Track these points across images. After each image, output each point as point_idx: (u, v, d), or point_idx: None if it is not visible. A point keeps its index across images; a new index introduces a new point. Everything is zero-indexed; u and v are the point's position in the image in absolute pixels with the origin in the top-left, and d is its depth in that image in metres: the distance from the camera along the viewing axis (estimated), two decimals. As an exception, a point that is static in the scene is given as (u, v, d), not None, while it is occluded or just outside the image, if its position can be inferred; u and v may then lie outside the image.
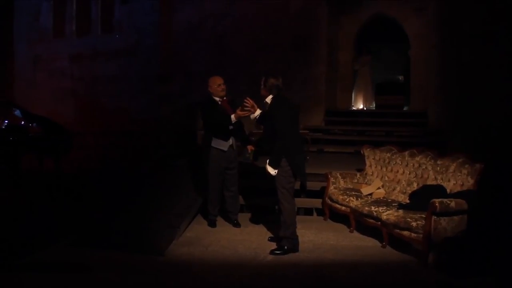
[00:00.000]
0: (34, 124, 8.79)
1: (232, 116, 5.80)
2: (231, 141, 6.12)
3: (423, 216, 4.90)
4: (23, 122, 8.75)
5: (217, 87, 6.08)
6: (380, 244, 5.49)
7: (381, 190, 6.31)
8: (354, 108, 13.08)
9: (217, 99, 6.11)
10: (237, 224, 6.27)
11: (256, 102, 5.50)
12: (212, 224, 6.28)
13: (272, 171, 5.12)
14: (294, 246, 5.22)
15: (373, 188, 6.36)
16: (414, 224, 4.95)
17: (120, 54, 13.03)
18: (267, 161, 5.15)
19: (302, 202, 7.13)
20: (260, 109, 5.46)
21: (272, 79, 5.29)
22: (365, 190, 6.30)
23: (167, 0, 12.47)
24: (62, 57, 13.95)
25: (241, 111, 5.63)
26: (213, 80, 6.13)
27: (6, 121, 8.55)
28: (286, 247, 5.19)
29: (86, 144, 11.73)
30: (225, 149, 6.06)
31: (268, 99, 5.30)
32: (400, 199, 5.92)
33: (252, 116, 5.50)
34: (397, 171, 6.29)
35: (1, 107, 9.42)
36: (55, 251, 5.24)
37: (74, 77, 13.81)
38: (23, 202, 7.18)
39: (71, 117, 12.85)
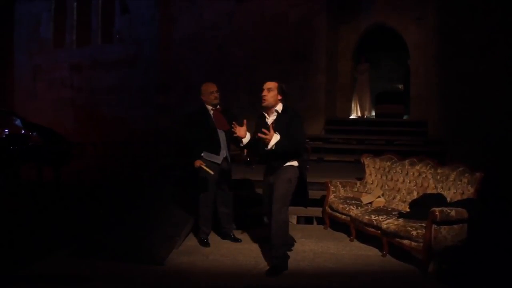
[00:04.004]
0: (34, 134, 8.78)
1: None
2: (224, 153, 5.72)
3: (424, 225, 4.88)
4: (23, 132, 8.75)
5: (209, 94, 5.70)
6: (381, 253, 5.47)
7: (381, 199, 6.30)
8: (354, 117, 13.10)
9: (210, 107, 5.75)
10: (235, 239, 5.93)
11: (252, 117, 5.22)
12: (205, 243, 5.79)
13: (274, 140, 4.69)
14: (286, 264, 4.94)
15: (373, 197, 6.35)
16: (414, 233, 4.93)
17: (119, 64, 13.11)
18: (278, 136, 4.71)
19: (302, 211, 7.12)
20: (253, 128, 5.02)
21: (284, 85, 5.02)
22: (365, 199, 6.30)
23: (167, 10, 12.56)
24: (62, 67, 14.04)
25: (235, 128, 5.00)
26: (205, 87, 5.76)
27: (7, 131, 8.55)
28: (280, 267, 4.86)
29: (85, 154, 11.74)
30: (219, 162, 5.67)
31: (279, 107, 4.96)
32: (400, 208, 5.91)
33: (245, 141, 5.07)
34: (397, 180, 6.29)
35: (1, 117, 9.43)
36: (53, 263, 5.19)
37: (74, 87, 13.87)
38: (21, 212, 7.15)
39: (71, 127, 12.90)
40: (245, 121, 5.04)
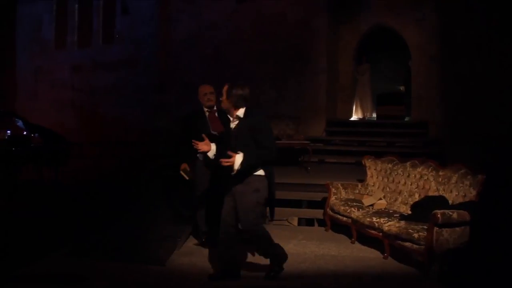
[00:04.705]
0: (36, 135, 8.81)
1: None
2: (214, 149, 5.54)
3: (425, 227, 4.88)
4: (25, 133, 8.78)
5: (203, 96, 5.64)
6: (382, 255, 5.46)
7: (383, 201, 6.29)
8: (355, 118, 13.10)
9: (205, 109, 5.69)
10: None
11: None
12: (203, 243, 5.74)
13: (238, 164, 4.30)
14: (282, 256, 4.67)
15: (375, 199, 6.35)
16: (416, 235, 4.93)
17: (120, 65, 13.13)
18: (241, 154, 4.33)
19: (304, 212, 7.15)
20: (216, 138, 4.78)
21: (238, 89, 4.47)
22: (367, 201, 6.29)
23: (166, 10, 12.57)
24: (63, 68, 14.04)
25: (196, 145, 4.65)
26: (200, 88, 5.70)
27: (9, 132, 8.58)
28: (278, 265, 4.67)
29: (84, 154, 11.75)
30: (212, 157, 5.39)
31: (240, 112, 4.48)
32: (401, 210, 5.91)
33: (211, 154, 4.64)
34: (399, 182, 6.29)
35: (3, 118, 9.46)
36: (52, 262, 5.21)
37: (75, 88, 13.88)
38: (21, 212, 7.14)
39: (71, 127, 12.89)
40: (203, 135, 4.75)
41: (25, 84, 14.60)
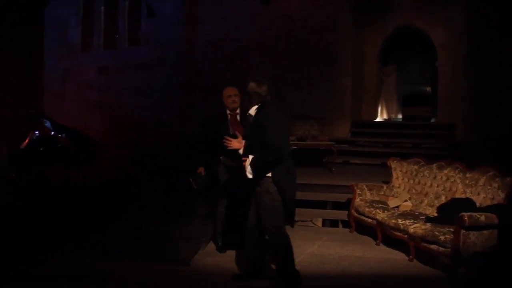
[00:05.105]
0: (63, 135, 8.96)
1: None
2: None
3: (452, 229, 4.80)
4: (53, 133, 8.93)
5: (227, 98, 5.51)
6: (407, 258, 5.40)
7: (408, 203, 6.22)
8: (380, 119, 12.98)
9: (228, 112, 5.57)
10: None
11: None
12: (220, 247, 5.64)
13: (249, 173, 4.24)
14: (295, 283, 4.34)
15: (400, 200, 6.28)
16: (442, 238, 4.86)
17: (145, 67, 13.24)
18: (250, 158, 4.24)
19: (328, 213, 7.11)
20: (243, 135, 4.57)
21: (253, 83, 4.37)
22: (392, 203, 6.22)
23: (192, 13, 12.63)
24: (90, 70, 14.24)
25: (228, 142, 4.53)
26: (224, 91, 5.58)
27: (37, 132, 8.74)
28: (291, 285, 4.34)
29: (111, 156, 11.89)
30: (234, 166, 5.30)
31: (252, 111, 4.39)
32: (427, 212, 5.83)
33: (242, 151, 4.45)
34: (425, 184, 6.20)
35: (32, 119, 9.64)
36: (76, 261, 5.26)
37: (101, 89, 14.06)
38: (45, 212, 7.26)
39: (97, 129, 13.05)
40: (237, 132, 4.67)
41: (52, 85, 14.85)
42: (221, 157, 5.48)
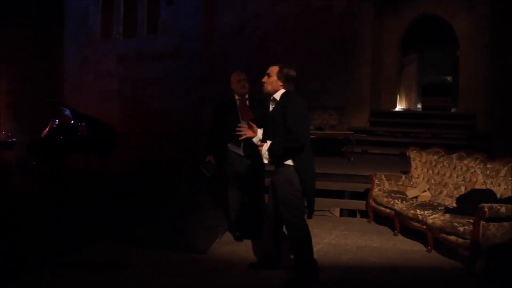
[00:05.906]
0: (83, 124, 9.05)
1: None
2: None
3: (471, 221, 4.74)
4: (72, 122, 9.02)
5: (236, 83, 5.44)
6: (425, 249, 5.35)
7: (427, 193, 6.16)
8: (399, 109, 12.85)
9: (237, 97, 5.51)
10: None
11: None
12: (237, 237, 5.66)
13: (266, 158, 4.19)
14: (313, 274, 4.29)
15: (419, 191, 6.22)
16: (461, 229, 4.80)
17: (164, 56, 13.29)
18: (268, 143, 4.16)
19: (346, 203, 7.08)
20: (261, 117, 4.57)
21: (290, 69, 4.27)
22: (411, 193, 6.17)
23: (211, 2, 12.60)
24: (109, 59, 14.34)
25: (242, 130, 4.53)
26: (233, 75, 5.50)
27: (57, 121, 8.84)
28: (302, 281, 4.25)
29: (129, 145, 11.98)
30: (242, 153, 5.37)
31: (277, 95, 4.28)
32: (446, 203, 5.76)
33: (256, 140, 4.45)
34: (444, 174, 6.12)
35: (52, 107, 9.76)
36: (96, 250, 5.32)
37: (120, 78, 14.15)
38: (67, 200, 7.36)
39: (116, 117, 13.16)
40: (249, 121, 4.62)
41: (72, 74, 15.02)
42: (228, 144, 5.46)
